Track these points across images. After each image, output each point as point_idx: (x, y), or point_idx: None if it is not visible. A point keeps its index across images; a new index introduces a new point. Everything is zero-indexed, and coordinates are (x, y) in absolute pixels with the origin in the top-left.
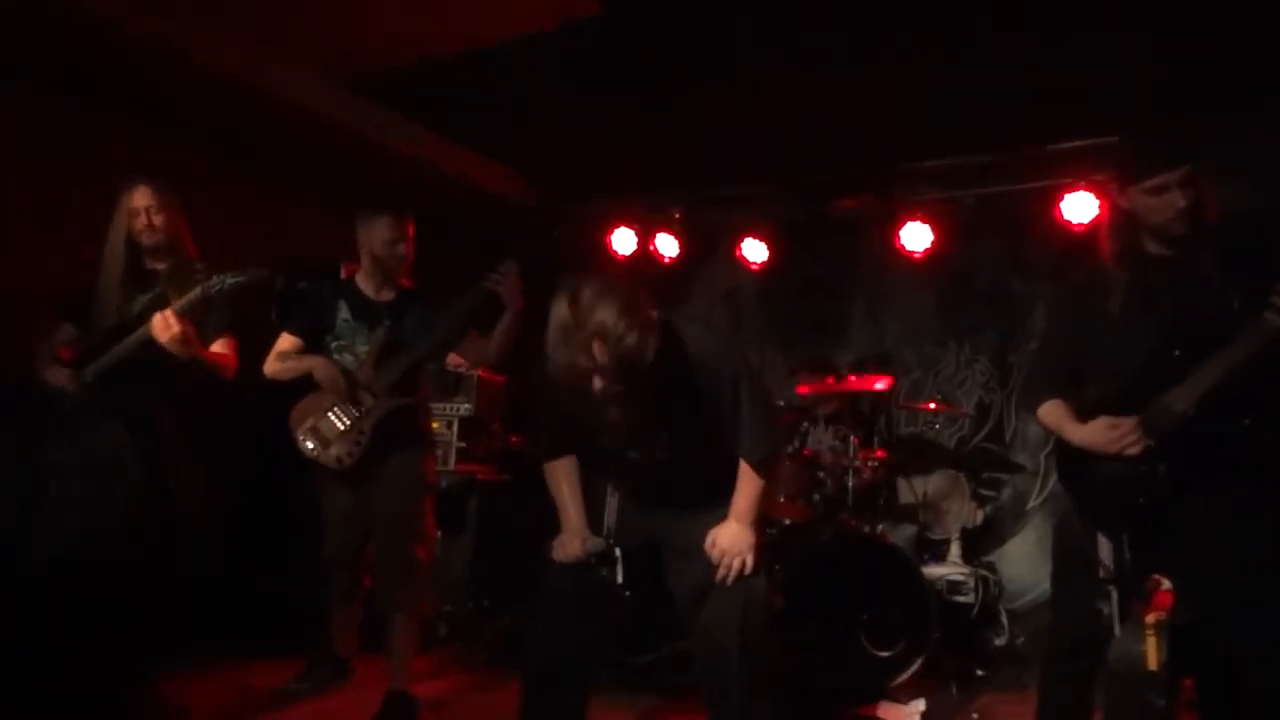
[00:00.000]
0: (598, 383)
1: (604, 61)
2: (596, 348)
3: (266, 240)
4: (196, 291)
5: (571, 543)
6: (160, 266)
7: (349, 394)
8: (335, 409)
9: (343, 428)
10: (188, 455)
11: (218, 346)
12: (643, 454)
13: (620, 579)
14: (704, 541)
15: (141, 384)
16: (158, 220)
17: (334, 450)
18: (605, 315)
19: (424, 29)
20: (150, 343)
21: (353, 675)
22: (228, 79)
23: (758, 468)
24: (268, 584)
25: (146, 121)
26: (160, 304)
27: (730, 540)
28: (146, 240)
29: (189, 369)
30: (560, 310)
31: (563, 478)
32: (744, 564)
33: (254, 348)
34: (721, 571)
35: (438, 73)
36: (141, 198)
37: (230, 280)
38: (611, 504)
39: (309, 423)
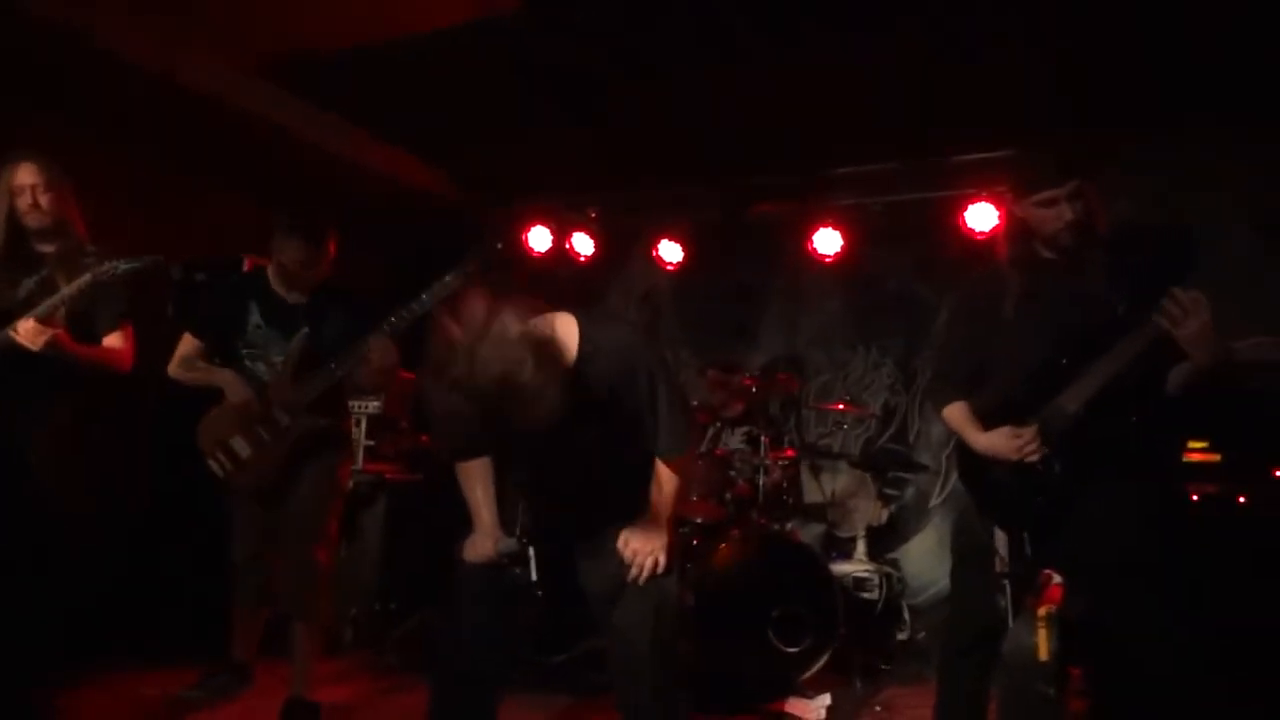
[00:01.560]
0: (506, 410)
1: (524, 59)
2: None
3: (169, 231)
4: (85, 279)
5: (483, 543)
6: (49, 249)
7: (263, 414)
8: (248, 428)
9: (257, 448)
10: (74, 450)
11: (113, 339)
12: (556, 452)
13: (534, 578)
14: (616, 541)
15: (21, 374)
16: (44, 200)
17: (247, 474)
18: (497, 370)
19: (343, 19)
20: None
21: (253, 681)
22: (131, 62)
23: (672, 466)
24: (163, 588)
25: (41, 104)
26: (48, 287)
27: (643, 540)
28: (32, 222)
29: (75, 365)
30: (456, 358)
31: (476, 479)
32: (656, 563)
33: (150, 341)
34: (634, 571)
35: (354, 63)
36: (26, 175)
37: (123, 266)
38: (524, 503)
39: (220, 440)
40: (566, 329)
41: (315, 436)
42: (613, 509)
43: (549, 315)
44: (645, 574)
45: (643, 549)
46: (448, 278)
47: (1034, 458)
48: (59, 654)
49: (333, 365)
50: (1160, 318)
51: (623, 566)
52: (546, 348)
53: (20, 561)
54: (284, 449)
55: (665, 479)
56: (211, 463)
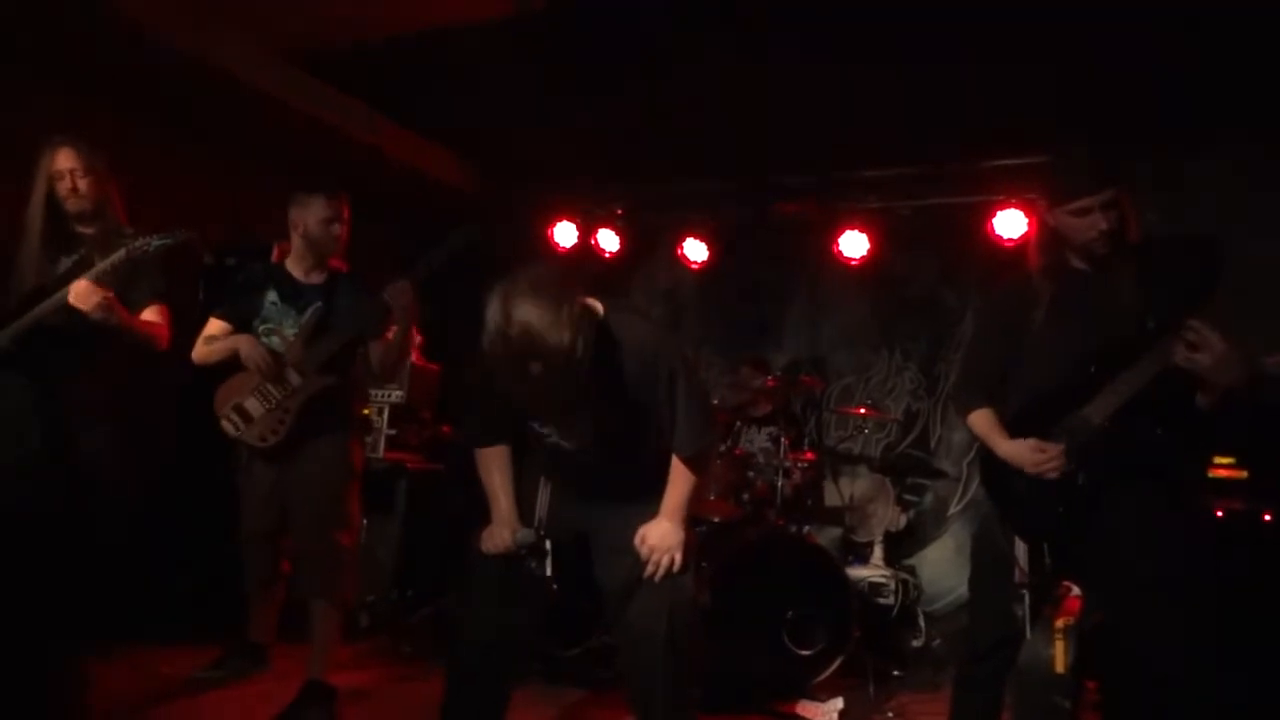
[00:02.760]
0: (534, 373)
1: (552, 54)
2: (527, 345)
3: (201, 215)
4: (120, 254)
5: (500, 534)
6: (88, 231)
7: (275, 373)
8: (260, 388)
9: (268, 406)
10: (105, 426)
11: (149, 314)
12: (576, 443)
13: (549, 572)
14: (632, 537)
15: (59, 350)
16: (83, 184)
17: (257, 428)
18: (532, 316)
19: (377, 10)
20: (69, 309)
21: (270, 664)
22: (165, 46)
23: (690, 463)
24: (183, 567)
25: (83, 90)
26: (85, 267)
27: (659, 537)
28: (72, 206)
29: (118, 337)
30: (492, 307)
31: (494, 467)
32: (673, 561)
33: (182, 321)
34: (650, 568)
35: (385, 54)
36: (65, 159)
37: (157, 242)
38: (543, 495)
39: (233, 401)
40: (598, 312)
41: (325, 400)
42: (630, 503)
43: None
44: (661, 572)
45: (659, 546)
46: (454, 236)
47: (1053, 475)
48: (95, 625)
49: (343, 326)
50: (1178, 347)
51: (638, 563)
52: (583, 315)
53: (60, 535)
54: (294, 407)
55: (682, 476)
56: (224, 422)
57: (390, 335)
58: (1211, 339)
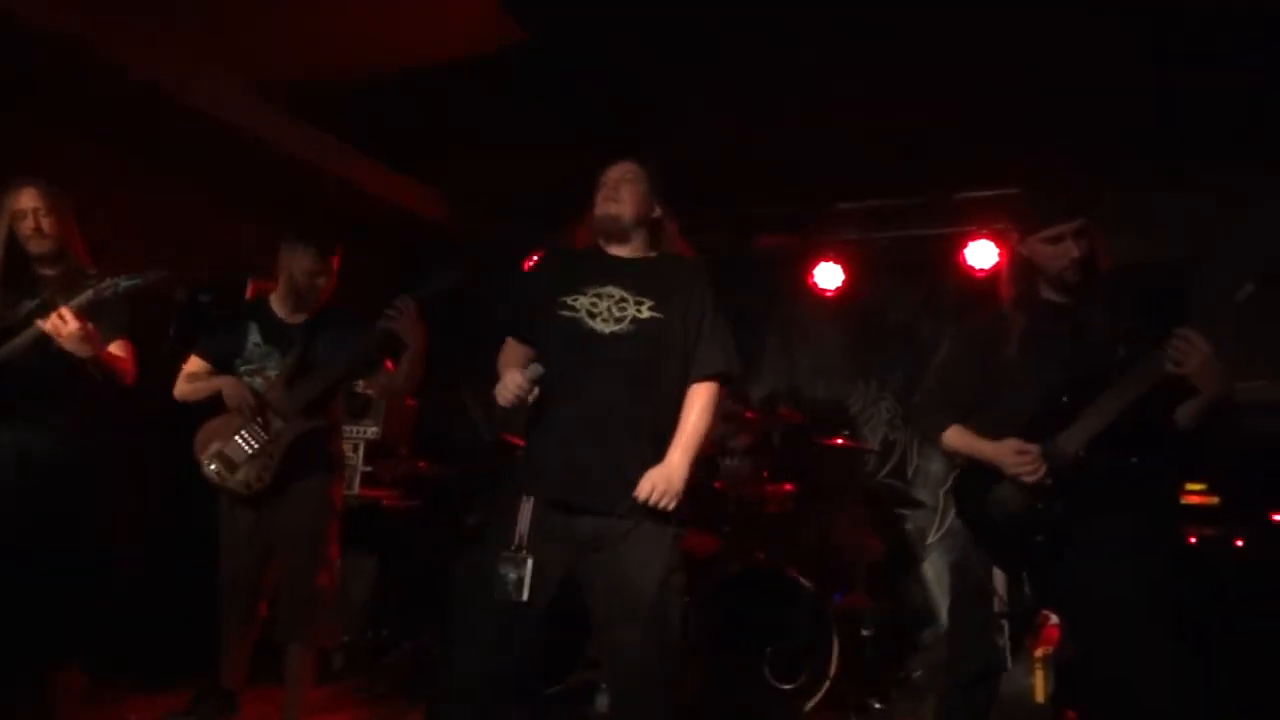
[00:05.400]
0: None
1: (527, 89)
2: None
3: (173, 252)
4: (88, 294)
5: (511, 377)
6: (50, 273)
7: (258, 416)
8: (243, 431)
9: (251, 451)
10: (74, 464)
11: (114, 349)
12: (605, 357)
13: (526, 595)
14: (626, 532)
15: (26, 389)
16: (46, 224)
17: (241, 475)
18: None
19: (354, 48)
20: (42, 343)
21: (239, 710)
22: (139, 79)
23: (712, 388)
24: (150, 610)
25: (46, 121)
26: (48, 310)
27: (665, 477)
28: (34, 247)
29: (86, 371)
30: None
31: (512, 356)
32: (668, 502)
33: (151, 359)
34: (643, 491)
35: (364, 91)
36: (28, 199)
37: (125, 283)
38: (525, 509)
39: (215, 446)
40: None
41: (308, 442)
42: (632, 472)
43: None
44: (653, 503)
45: (660, 484)
46: (450, 270)
47: (1031, 478)
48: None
49: (333, 365)
50: (1165, 359)
51: (633, 592)
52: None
53: (34, 567)
54: (278, 452)
55: (701, 405)
56: (207, 469)
57: (392, 365)
58: (1198, 341)
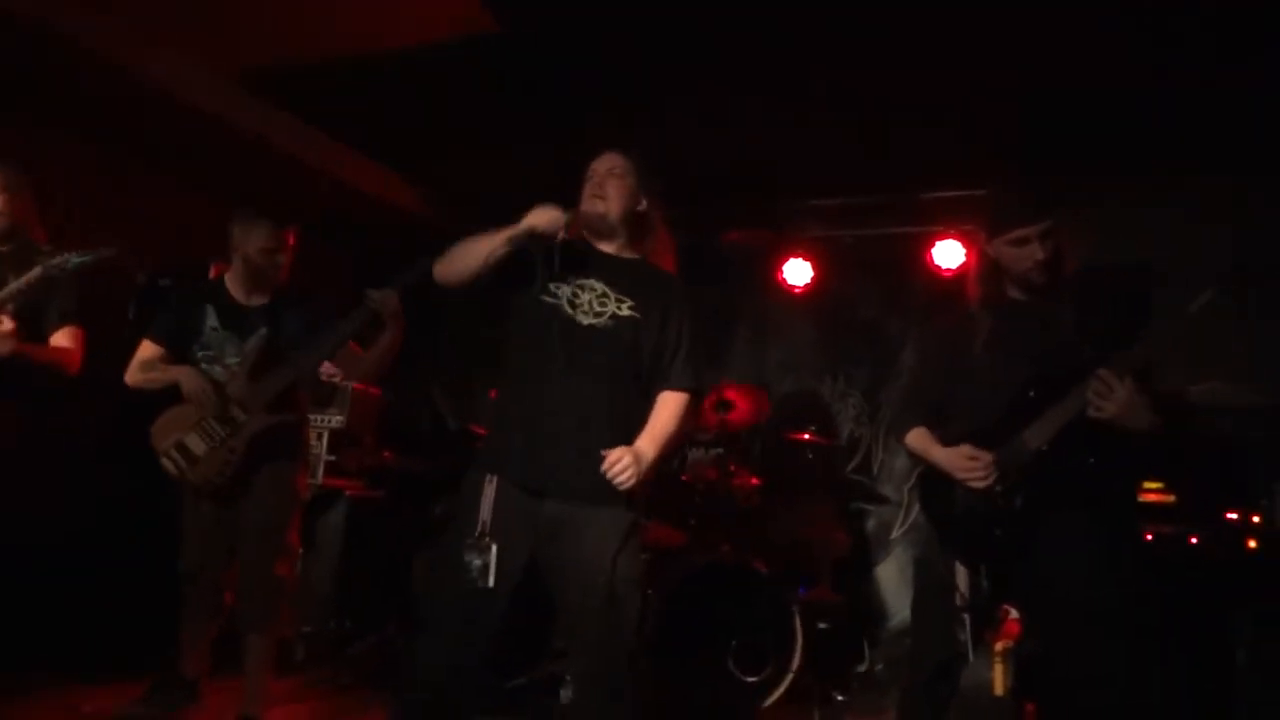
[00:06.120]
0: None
1: (500, 80)
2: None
3: (135, 234)
4: (36, 271)
5: (549, 209)
6: (3, 249)
7: (219, 408)
8: (203, 424)
9: (212, 444)
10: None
11: (60, 337)
12: (593, 316)
13: (491, 582)
14: (591, 518)
15: None
16: (1, 200)
17: (201, 469)
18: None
19: (325, 32)
20: None
21: (201, 698)
22: (100, 61)
23: (683, 400)
24: (105, 599)
25: (6, 102)
26: None
27: (632, 455)
28: None
29: (20, 365)
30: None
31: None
32: (627, 474)
33: (109, 343)
34: (608, 463)
35: (333, 75)
36: None
37: (75, 260)
38: (487, 495)
39: (174, 437)
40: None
41: (272, 436)
42: (590, 499)
43: None
44: (614, 474)
45: (626, 457)
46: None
47: (979, 484)
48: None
49: (294, 361)
50: (1091, 409)
51: (603, 577)
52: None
53: None
54: (240, 446)
55: (666, 412)
56: (165, 461)
57: (367, 352)
58: (1116, 387)
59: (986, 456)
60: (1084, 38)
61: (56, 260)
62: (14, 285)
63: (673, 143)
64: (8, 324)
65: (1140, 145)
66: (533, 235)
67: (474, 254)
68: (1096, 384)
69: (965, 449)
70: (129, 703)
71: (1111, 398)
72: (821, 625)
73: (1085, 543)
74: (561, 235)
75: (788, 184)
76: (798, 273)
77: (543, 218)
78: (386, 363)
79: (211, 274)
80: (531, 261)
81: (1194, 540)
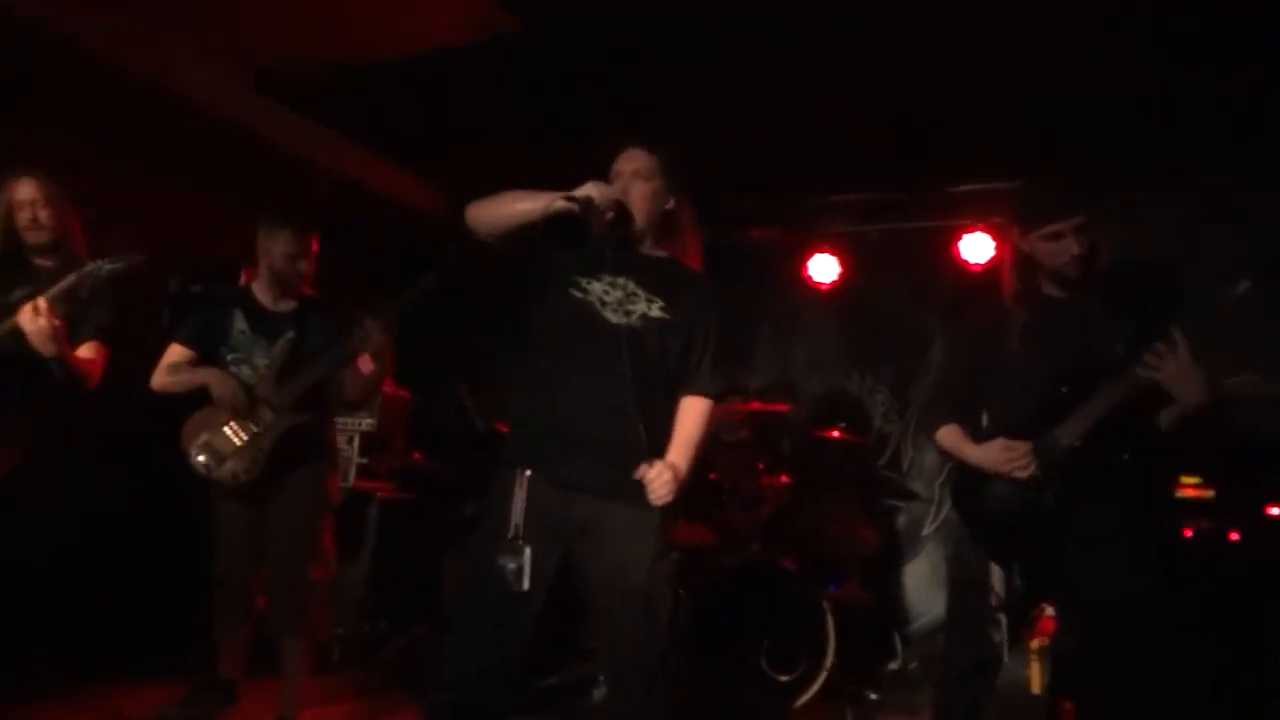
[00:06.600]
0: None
1: (520, 80)
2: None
3: (170, 243)
4: (71, 279)
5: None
6: (47, 264)
7: (247, 409)
8: (232, 424)
9: (239, 443)
10: (54, 457)
11: (86, 349)
12: (620, 314)
13: (526, 585)
14: (619, 520)
15: (12, 375)
16: (43, 215)
17: (229, 466)
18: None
19: (343, 35)
20: (16, 336)
21: (239, 701)
22: (123, 69)
23: (706, 406)
24: (146, 602)
25: (34, 112)
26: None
27: (670, 469)
28: (32, 238)
29: (50, 368)
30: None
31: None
32: (666, 490)
33: (143, 352)
34: (643, 471)
35: (352, 78)
36: (26, 190)
37: (108, 266)
38: (518, 497)
39: (203, 438)
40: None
41: (299, 435)
42: (622, 498)
43: None
44: (654, 489)
45: (665, 472)
46: (431, 275)
47: (1022, 474)
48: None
49: (317, 363)
50: (1141, 368)
51: (636, 577)
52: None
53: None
54: (268, 445)
55: (691, 418)
56: (194, 460)
57: (362, 367)
58: (1177, 350)
59: (1023, 446)
60: (1111, 30)
61: (89, 267)
62: (52, 291)
63: (694, 140)
64: (58, 323)
65: (1168, 137)
66: (589, 205)
67: (515, 209)
68: (1156, 346)
69: (1001, 441)
70: (169, 705)
71: (1167, 362)
72: (854, 623)
73: (1119, 539)
74: (610, 215)
75: (812, 180)
76: (823, 269)
77: (599, 191)
78: (370, 393)
79: (242, 280)
80: (570, 238)
81: (1235, 536)
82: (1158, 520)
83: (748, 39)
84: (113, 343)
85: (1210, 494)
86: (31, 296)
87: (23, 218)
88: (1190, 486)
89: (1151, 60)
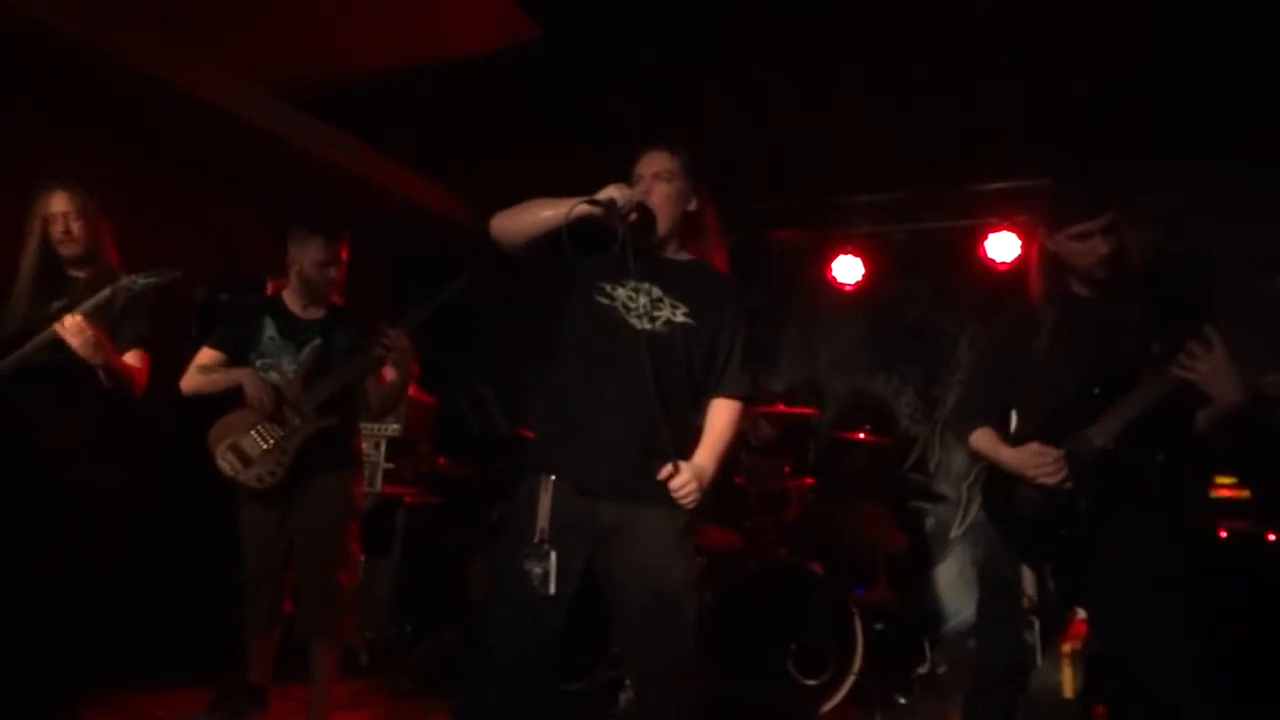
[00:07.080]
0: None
1: (542, 85)
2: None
3: (194, 251)
4: (106, 293)
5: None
6: (81, 275)
7: (275, 412)
8: (259, 427)
9: (266, 446)
10: (93, 466)
11: (129, 358)
12: (646, 319)
13: (552, 589)
14: (649, 522)
15: (44, 390)
16: (76, 227)
17: (255, 469)
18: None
19: (369, 46)
20: (57, 346)
21: (268, 705)
22: (152, 80)
23: (735, 409)
24: (177, 608)
25: (63, 122)
26: (72, 310)
27: (695, 472)
28: (65, 250)
29: (97, 376)
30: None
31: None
32: (691, 493)
33: (174, 362)
34: (667, 471)
35: (379, 88)
36: (59, 203)
37: (142, 281)
38: (544, 502)
39: (230, 440)
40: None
41: (325, 440)
42: (649, 500)
43: None
44: (680, 492)
45: (690, 476)
46: (455, 281)
47: (1052, 480)
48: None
49: (342, 369)
50: (1177, 368)
51: (663, 580)
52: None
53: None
54: (293, 449)
55: (720, 422)
56: (220, 461)
57: (386, 376)
58: (1214, 348)
59: (1055, 452)
60: (1136, 25)
61: (124, 281)
62: (86, 304)
63: (716, 140)
64: (101, 332)
65: (1209, 127)
66: (611, 207)
67: (538, 217)
68: (1192, 346)
69: (1033, 446)
70: (199, 711)
71: (1203, 361)
72: (879, 626)
73: (1152, 541)
74: (633, 217)
75: (835, 180)
76: (848, 270)
77: (621, 193)
78: (391, 402)
79: (269, 290)
80: (596, 242)
81: (1271, 537)
82: (1192, 522)
83: (769, 40)
84: (153, 350)
85: (1246, 494)
86: (69, 308)
87: (56, 230)
88: (1226, 487)
89: (1183, 54)
